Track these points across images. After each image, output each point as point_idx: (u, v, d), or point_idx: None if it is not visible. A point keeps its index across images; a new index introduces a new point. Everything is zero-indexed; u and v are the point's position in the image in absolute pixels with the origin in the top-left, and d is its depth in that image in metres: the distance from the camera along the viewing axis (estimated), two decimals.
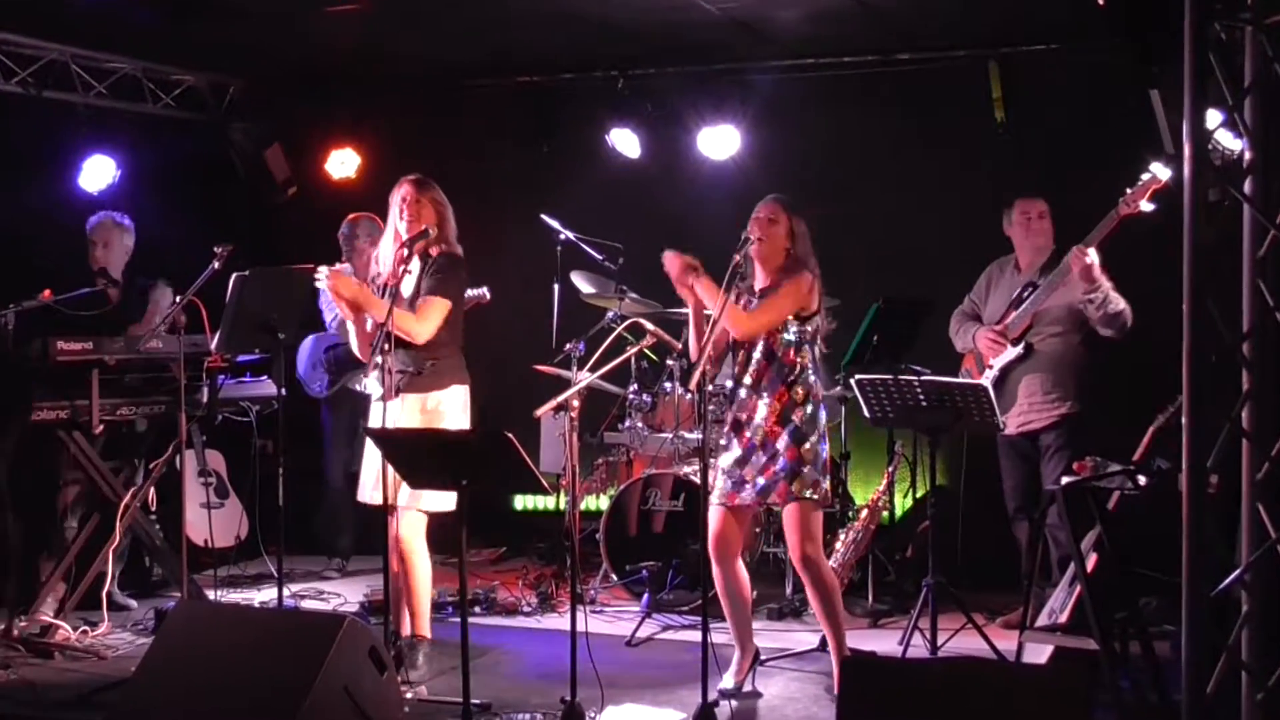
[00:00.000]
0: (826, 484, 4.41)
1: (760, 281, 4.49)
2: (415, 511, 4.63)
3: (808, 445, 4.37)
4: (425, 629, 4.73)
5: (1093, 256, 4.98)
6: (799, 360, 4.41)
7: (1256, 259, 3.18)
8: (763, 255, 4.44)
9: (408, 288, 4.68)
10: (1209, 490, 3.28)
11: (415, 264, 4.69)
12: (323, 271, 4.59)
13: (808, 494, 4.34)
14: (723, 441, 4.53)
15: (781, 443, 4.37)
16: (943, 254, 6.40)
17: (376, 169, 7.32)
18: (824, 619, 4.47)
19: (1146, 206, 4.83)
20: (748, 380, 4.44)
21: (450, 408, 4.66)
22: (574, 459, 4.24)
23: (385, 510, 4.52)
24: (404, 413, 4.60)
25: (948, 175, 6.51)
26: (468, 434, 4.37)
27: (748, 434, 4.42)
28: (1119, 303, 5.05)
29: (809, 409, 4.40)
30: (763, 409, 4.39)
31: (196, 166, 7.25)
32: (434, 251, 4.69)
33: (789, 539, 4.42)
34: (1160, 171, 4.81)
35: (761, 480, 4.38)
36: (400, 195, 4.68)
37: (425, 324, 4.58)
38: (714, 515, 4.49)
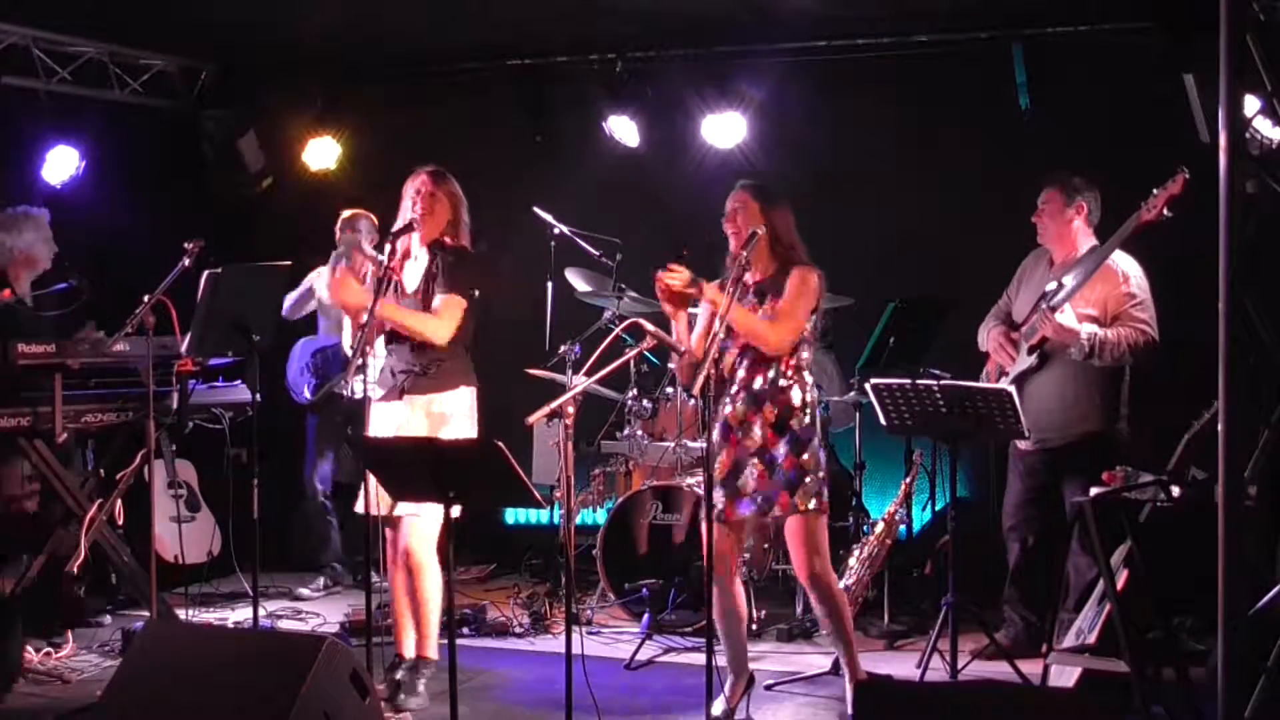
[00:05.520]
0: (826, 491, 4.42)
1: (751, 276, 4.47)
2: (425, 520, 4.64)
3: (808, 454, 4.38)
4: (433, 650, 4.75)
5: (1065, 317, 4.92)
6: (795, 361, 4.42)
7: None
8: (739, 246, 4.41)
9: (411, 282, 4.70)
10: (1247, 502, 3.29)
11: (423, 256, 4.71)
12: (322, 280, 4.60)
13: (811, 505, 4.35)
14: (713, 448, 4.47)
15: (780, 451, 4.38)
16: (963, 249, 6.42)
17: (357, 159, 7.36)
18: (836, 639, 4.49)
19: (1168, 213, 4.80)
20: (739, 382, 4.43)
21: (456, 411, 4.68)
22: (569, 469, 4.26)
23: (380, 523, 4.60)
24: (408, 416, 4.62)
25: (968, 165, 6.53)
26: (454, 443, 4.39)
27: (740, 441, 4.42)
28: (1116, 340, 4.93)
29: (808, 414, 4.41)
30: (757, 415, 4.40)
31: (165, 157, 7.27)
32: (447, 243, 4.71)
33: (794, 555, 4.44)
34: (1175, 184, 4.76)
35: (760, 493, 4.39)
36: (415, 186, 4.69)
37: (445, 324, 4.61)
38: (708, 530, 4.44)
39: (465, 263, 4.68)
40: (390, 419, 4.62)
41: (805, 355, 4.46)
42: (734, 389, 4.44)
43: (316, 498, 6.61)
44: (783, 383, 4.39)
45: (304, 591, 6.52)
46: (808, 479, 4.36)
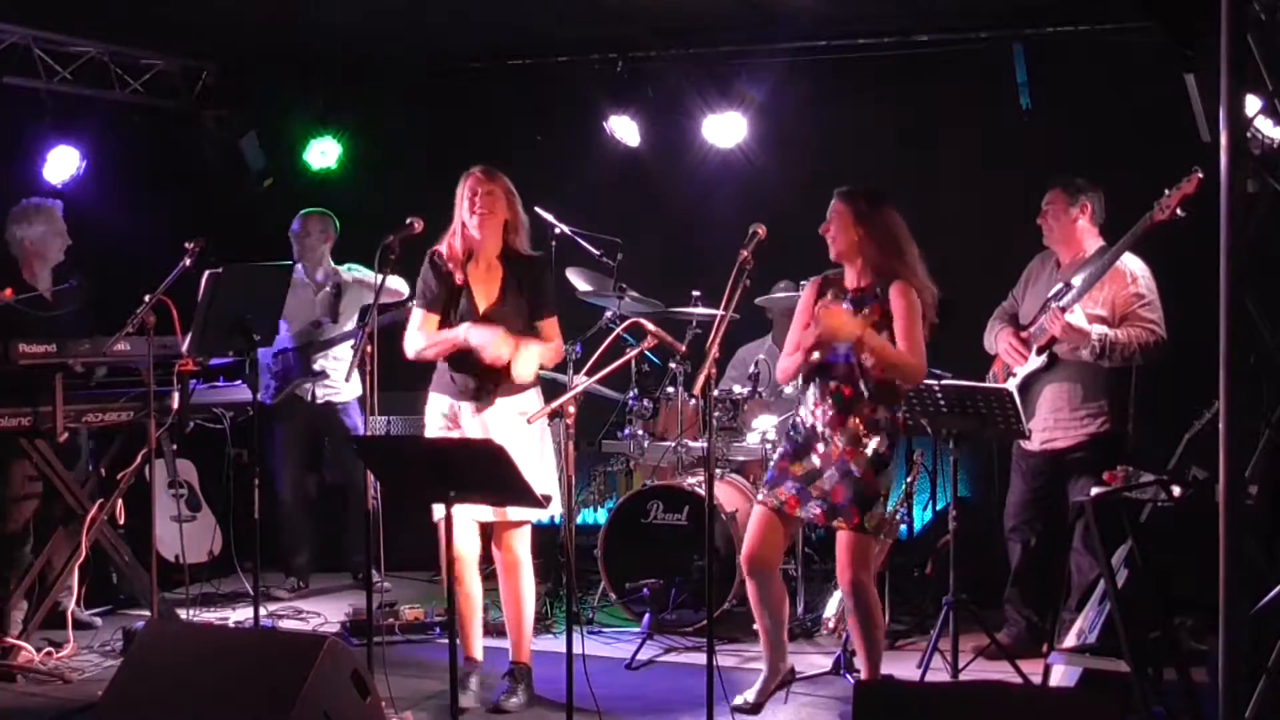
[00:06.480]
0: (890, 514, 4.44)
1: (852, 280, 4.46)
2: (519, 524, 4.66)
3: (886, 476, 4.38)
4: (529, 655, 4.80)
5: (1075, 317, 4.92)
6: (885, 379, 4.38)
7: None
8: (839, 254, 4.45)
9: (486, 293, 4.64)
10: (1247, 501, 3.28)
11: (493, 267, 4.66)
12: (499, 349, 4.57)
13: (874, 527, 4.36)
14: (788, 442, 4.50)
15: (858, 466, 4.35)
16: (964, 250, 6.40)
17: (359, 159, 7.36)
18: (862, 644, 4.47)
19: (1180, 213, 4.79)
20: (828, 389, 4.39)
21: (536, 406, 4.68)
22: (570, 469, 4.26)
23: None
24: (505, 418, 4.61)
25: (969, 165, 6.52)
26: (455, 443, 4.38)
27: (824, 448, 4.40)
28: (1126, 340, 4.93)
29: (891, 435, 4.40)
30: (845, 427, 4.36)
31: (166, 157, 7.28)
32: (521, 250, 4.70)
33: (841, 561, 4.41)
34: (1189, 183, 4.76)
35: (830, 500, 4.36)
36: (468, 186, 4.65)
37: (561, 345, 4.79)
38: (759, 517, 4.48)
39: (550, 275, 4.74)
40: (479, 424, 4.61)
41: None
42: (825, 392, 4.39)
43: (287, 500, 6.57)
44: (873, 398, 4.36)
45: (281, 593, 6.48)
46: (879, 503, 4.35)
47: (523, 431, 4.57)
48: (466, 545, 4.68)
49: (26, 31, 6.40)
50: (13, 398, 5.01)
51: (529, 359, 4.60)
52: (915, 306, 4.34)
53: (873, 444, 4.36)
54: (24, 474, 5.35)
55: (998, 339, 5.32)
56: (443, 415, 4.69)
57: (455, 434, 4.64)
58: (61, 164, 6.68)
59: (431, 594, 5.82)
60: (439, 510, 4.58)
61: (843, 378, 4.38)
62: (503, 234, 4.68)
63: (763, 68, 6.70)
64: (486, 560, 4.82)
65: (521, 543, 4.72)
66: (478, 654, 4.83)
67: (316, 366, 6.40)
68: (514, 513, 4.59)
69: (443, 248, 4.68)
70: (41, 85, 6.56)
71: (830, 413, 4.39)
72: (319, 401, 6.45)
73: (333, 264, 6.51)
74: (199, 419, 5.67)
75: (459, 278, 4.65)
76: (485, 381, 4.63)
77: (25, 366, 4.95)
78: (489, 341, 4.53)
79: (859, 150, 6.66)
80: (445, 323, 4.65)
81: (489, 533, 4.76)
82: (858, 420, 4.36)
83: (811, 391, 4.45)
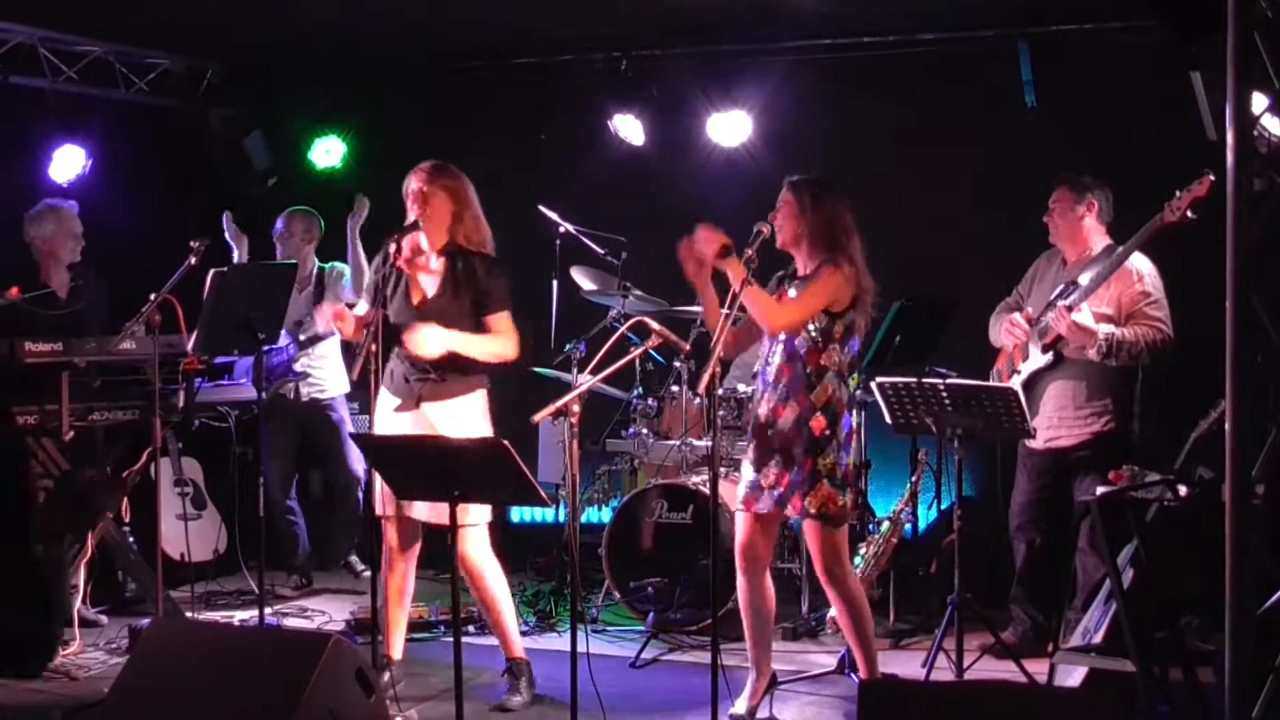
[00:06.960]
0: (847, 498, 4.38)
1: (800, 269, 4.50)
2: (478, 526, 4.63)
3: (826, 458, 4.34)
4: (521, 649, 4.79)
5: (1082, 316, 4.90)
6: (822, 362, 4.38)
7: None
8: (784, 243, 4.47)
9: (426, 288, 4.63)
10: (1254, 501, 3.27)
11: (436, 262, 4.64)
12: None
13: (824, 511, 4.32)
14: (744, 441, 4.56)
15: (798, 451, 4.36)
16: (969, 248, 6.41)
17: (363, 158, 7.36)
18: (852, 637, 4.48)
19: (1190, 215, 4.77)
20: (770, 379, 4.45)
21: (472, 413, 4.64)
22: (574, 468, 4.26)
23: (380, 521, 4.64)
24: (424, 421, 4.57)
25: (974, 163, 6.51)
26: (460, 441, 4.38)
27: (767, 437, 4.43)
28: (1134, 339, 4.91)
29: (829, 417, 4.36)
30: (784, 413, 4.39)
31: (171, 155, 7.28)
32: (467, 247, 4.65)
33: (811, 555, 4.45)
34: (1200, 186, 4.74)
35: (778, 489, 4.38)
36: (407, 189, 4.63)
37: (513, 340, 4.64)
38: (739, 520, 4.52)
39: (497, 272, 4.65)
40: (404, 424, 4.59)
41: (837, 358, 4.40)
42: (766, 383, 4.45)
43: (276, 500, 6.56)
44: (809, 382, 4.37)
45: (285, 591, 6.49)
46: (822, 484, 4.32)
47: (458, 429, 4.53)
48: (408, 542, 4.71)
49: (32, 31, 6.40)
50: (19, 396, 5.01)
51: (429, 338, 4.48)
52: (825, 286, 4.33)
53: (812, 425, 4.35)
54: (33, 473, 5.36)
55: (1001, 328, 5.32)
56: (387, 412, 4.67)
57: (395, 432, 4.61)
58: (67, 163, 6.68)
59: (434, 592, 5.81)
60: (379, 506, 4.65)
61: (782, 364, 4.40)
62: (447, 230, 4.65)
63: (767, 67, 6.69)
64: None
65: (476, 545, 4.65)
66: (395, 654, 4.78)
67: (299, 366, 6.39)
68: (465, 516, 4.52)
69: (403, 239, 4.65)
70: (47, 84, 6.56)
71: (774, 399, 4.42)
72: (304, 399, 6.44)
73: (317, 262, 6.50)
74: (204, 417, 5.67)
75: (403, 266, 4.65)
76: (416, 383, 4.61)
77: (31, 365, 4.96)
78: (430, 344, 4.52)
79: (864, 148, 6.65)
80: (385, 309, 4.64)
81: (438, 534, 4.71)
82: (795, 404, 4.37)
83: (760, 379, 4.50)
